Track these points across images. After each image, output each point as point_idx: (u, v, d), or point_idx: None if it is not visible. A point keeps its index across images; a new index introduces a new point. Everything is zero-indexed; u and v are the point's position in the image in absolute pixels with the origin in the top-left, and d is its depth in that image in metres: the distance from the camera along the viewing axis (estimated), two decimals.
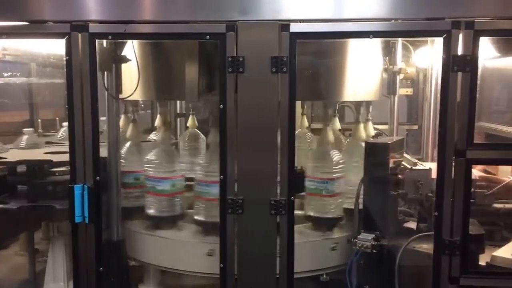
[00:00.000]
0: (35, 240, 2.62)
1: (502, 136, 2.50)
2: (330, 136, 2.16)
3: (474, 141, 1.66)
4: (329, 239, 2.03)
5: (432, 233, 1.71)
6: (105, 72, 1.93)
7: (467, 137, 1.64)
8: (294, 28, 1.65)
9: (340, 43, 2.03)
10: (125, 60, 1.99)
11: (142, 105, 2.45)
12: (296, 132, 2.48)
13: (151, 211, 2.12)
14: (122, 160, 2.11)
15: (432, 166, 1.87)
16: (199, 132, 2.56)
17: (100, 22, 1.72)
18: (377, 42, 2.18)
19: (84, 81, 1.73)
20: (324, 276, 2.03)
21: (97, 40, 1.73)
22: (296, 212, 1.80)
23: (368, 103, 2.29)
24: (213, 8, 1.67)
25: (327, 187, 2.06)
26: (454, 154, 1.65)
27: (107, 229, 1.97)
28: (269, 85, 1.68)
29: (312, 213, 2.10)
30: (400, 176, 1.97)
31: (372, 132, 2.33)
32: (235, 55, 1.67)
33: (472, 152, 1.65)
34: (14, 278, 2.63)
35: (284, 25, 1.65)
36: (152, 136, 2.77)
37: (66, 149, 1.81)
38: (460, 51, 1.61)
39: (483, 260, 1.80)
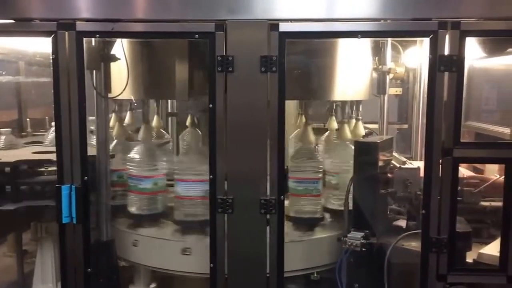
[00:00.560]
0: (24, 241, 2.59)
1: (490, 135, 2.54)
2: (311, 136, 2.18)
3: (461, 140, 1.68)
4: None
5: (420, 231, 1.73)
6: (94, 71, 1.92)
7: (454, 136, 1.66)
8: (283, 27, 1.66)
9: (329, 43, 2.04)
10: (114, 59, 1.97)
11: (136, 104, 2.44)
12: (295, 132, 2.52)
13: (133, 209, 2.13)
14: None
15: (421, 164, 1.89)
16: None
17: (88, 20, 1.71)
18: (367, 42, 2.19)
19: (71, 80, 1.71)
20: (315, 275, 2.04)
21: (85, 39, 1.71)
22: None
23: (357, 102, 2.31)
24: (202, 7, 1.66)
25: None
26: (441, 153, 1.67)
27: (96, 229, 1.96)
28: (259, 85, 1.68)
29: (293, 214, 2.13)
30: (389, 175, 1.99)
31: (362, 132, 2.35)
32: (224, 54, 1.66)
33: (459, 151, 1.67)
34: (2, 280, 2.60)
35: (273, 24, 1.65)
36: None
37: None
38: (446, 51, 1.62)
39: (470, 258, 1.82)
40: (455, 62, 1.62)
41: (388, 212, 2.02)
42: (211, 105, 1.69)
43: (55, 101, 1.72)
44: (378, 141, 1.96)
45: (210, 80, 1.68)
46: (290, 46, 1.67)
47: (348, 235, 1.84)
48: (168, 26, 1.69)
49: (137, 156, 2.14)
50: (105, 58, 1.94)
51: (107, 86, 1.97)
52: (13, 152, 2.37)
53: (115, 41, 1.95)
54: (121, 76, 2.01)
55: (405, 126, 3.21)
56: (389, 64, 2.41)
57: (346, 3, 1.66)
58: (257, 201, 1.72)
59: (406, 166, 2.02)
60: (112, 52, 1.97)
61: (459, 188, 1.73)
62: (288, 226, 2.10)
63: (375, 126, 2.67)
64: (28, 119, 3.05)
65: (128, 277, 2.16)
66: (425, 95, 1.70)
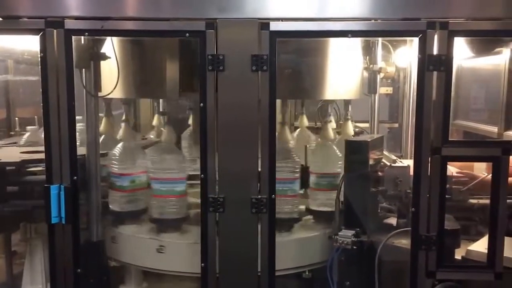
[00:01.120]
0: (13, 242, 2.55)
1: (479, 134, 2.58)
2: (288, 135, 2.18)
3: (450, 139, 1.70)
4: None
5: (410, 229, 1.75)
6: (83, 70, 1.90)
7: (442, 134, 1.68)
8: (274, 26, 1.66)
9: (320, 42, 2.05)
10: (104, 57, 1.95)
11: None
12: (296, 131, 2.51)
13: (113, 207, 2.14)
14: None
15: (411, 163, 1.91)
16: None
17: (77, 18, 1.69)
18: (358, 42, 2.21)
19: (60, 78, 1.69)
20: (306, 273, 2.05)
21: (74, 37, 1.70)
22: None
23: (346, 101, 2.31)
24: (193, 5, 1.65)
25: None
26: (430, 151, 1.69)
27: (86, 229, 1.94)
28: (250, 83, 1.68)
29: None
30: (380, 173, 2.01)
31: (352, 131, 2.36)
32: (215, 53, 1.66)
33: (448, 150, 1.69)
34: None
35: (264, 23, 1.66)
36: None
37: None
38: (435, 51, 1.64)
39: (458, 254, 1.84)
40: (444, 62, 1.64)
41: (379, 210, 2.04)
42: (201, 104, 1.68)
43: (43, 99, 1.70)
44: (369, 140, 1.97)
45: (201, 79, 1.68)
46: (281, 45, 1.68)
47: (339, 233, 1.86)
48: (158, 25, 1.68)
49: (116, 154, 2.16)
50: (95, 57, 1.91)
51: (97, 85, 1.95)
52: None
53: (105, 39, 1.92)
54: (111, 75, 1.99)
55: (396, 125, 3.24)
56: (380, 63, 2.43)
57: (337, 2, 1.66)
58: (248, 200, 1.72)
59: (396, 164, 2.04)
60: (102, 50, 1.96)
61: (447, 186, 1.75)
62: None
63: (366, 125, 2.70)
64: (16, 118, 3.01)
65: (118, 277, 2.15)
66: (415, 94, 1.71)
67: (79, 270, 1.78)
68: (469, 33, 1.73)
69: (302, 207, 2.17)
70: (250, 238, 1.74)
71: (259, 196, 1.72)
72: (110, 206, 2.14)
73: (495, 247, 1.71)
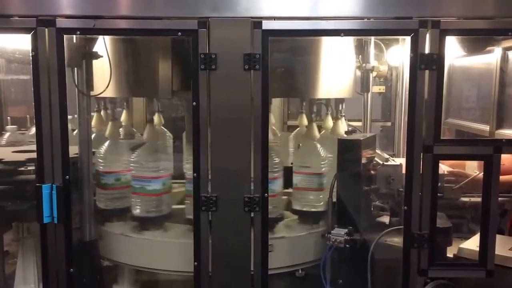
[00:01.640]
0: (5, 242, 2.53)
1: (470, 132, 2.59)
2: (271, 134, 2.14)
3: (442, 137, 1.71)
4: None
5: (402, 227, 1.76)
6: (75, 69, 1.89)
7: (434, 133, 1.69)
8: (267, 25, 1.66)
9: (313, 41, 2.05)
10: (96, 56, 1.94)
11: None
12: (296, 130, 2.49)
13: (101, 205, 2.15)
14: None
15: (403, 161, 1.92)
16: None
17: (68, 17, 1.68)
18: (350, 41, 2.21)
19: (51, 77, 1.68)
20: (300, 272, 2.06)
21: (65, 36, 1.68)
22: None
23: (337, 100, 2.31)
24: (185, 4, 1.65)
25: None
26: (422, 149, 1.70)
27: (79, 229, 1.93)
28: (242, 82, 1.68)
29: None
30: (372, 172, 2.02)
31: (343, 130, 2.37)
32: (207, 52, 1.66)
33: (439, 148, 1.70)
34: None
35: (256, 22, 1.65)
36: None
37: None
38: (427, 50, 1.65)
39: (450, 252, 1.86)
40: (436, 61, 1.65)
41: (372, 209, 2.05)
42: (194, 103, 1.68)
43: (35, 98, 1.69)
44: (361, 138, 1.98)
45: (193, 78, 1.67)
46: (273, 44, 1.67)
47: (332, 231, 1.86)
48: (150, 24, 1.68)
49: (101, 152, 2.17)
50: (87, 56, 1.90)
51: (89, 84, 1.94)
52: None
53: (97, 38, 1.91)
54: (103, 74, 1.98)
55: (388, 123, 3.26)
56: (373, 62, 2.44)
57: (329, 1, 1.66)
58: (241, 199, 1.72)
59: (388, 163, 2.05)
60: (94, 49, 1.94)
61: (439, 184, 1.76)
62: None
63: (359, 123, 2.71)
64: (8, 117, 2.98)
65: (111, 277, 2.14)
66: (407, 93, 1.72)
67: (71, 269, 1.77)
68: (460, 32, 1.74)
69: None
70: (243, 237, 1.74)
71: (252, 195, 1.72)
72: (97, 204, 2.14)
73: (486, 245, 1.72)
